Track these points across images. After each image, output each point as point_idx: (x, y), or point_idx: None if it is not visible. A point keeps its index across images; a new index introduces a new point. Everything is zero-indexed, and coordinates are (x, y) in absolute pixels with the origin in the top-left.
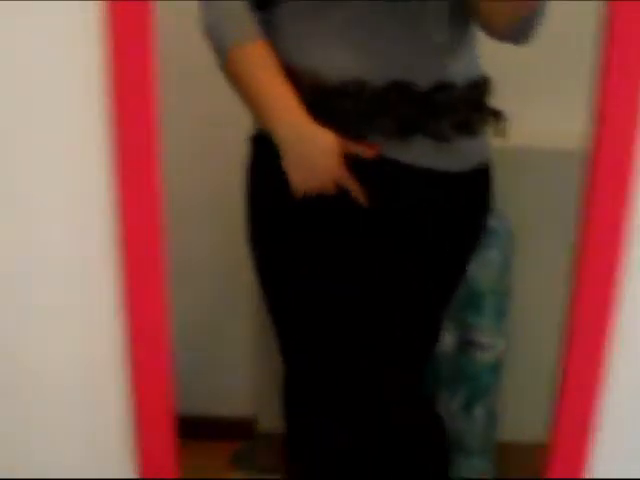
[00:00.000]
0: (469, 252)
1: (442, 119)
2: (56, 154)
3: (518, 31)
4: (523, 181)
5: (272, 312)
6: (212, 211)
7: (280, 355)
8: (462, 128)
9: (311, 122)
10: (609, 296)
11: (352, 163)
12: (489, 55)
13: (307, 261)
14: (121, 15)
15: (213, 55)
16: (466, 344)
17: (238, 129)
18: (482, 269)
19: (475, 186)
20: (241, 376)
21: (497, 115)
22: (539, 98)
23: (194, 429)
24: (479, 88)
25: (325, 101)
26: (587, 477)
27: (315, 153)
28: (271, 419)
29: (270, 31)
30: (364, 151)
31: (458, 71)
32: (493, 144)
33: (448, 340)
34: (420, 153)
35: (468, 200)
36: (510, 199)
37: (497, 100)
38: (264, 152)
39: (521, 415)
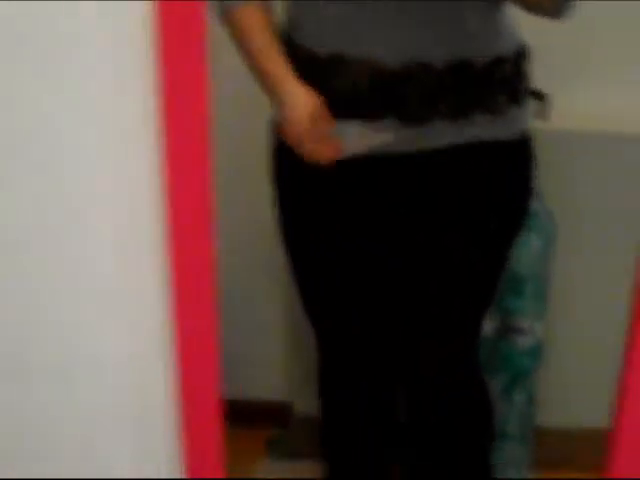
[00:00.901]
0: (513, 230)
1: (498, 94)
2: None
3: (560, 5)
4: (567, 164)
5: (302, 292)
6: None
7: (315, 338)
8: (513, 98)
9: (295, 78)
10: None
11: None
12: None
13: (339, 232)
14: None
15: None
16: (506, 329)
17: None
18: (522, 253)
19: (520, 155)
20: (276, 361)
21: (537, 94)
22: (586, 78)
23: (229, 414)
24: (523, 56)
25: (385, 86)
26: None
27: (290, 105)
28: (307, 404)
29: (309, 19)
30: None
31: (505, 43)
32: (537, 126)
33: (488, 324)
34: (480, 127)
35: (513, 170)
36: (553, 182)
37: (541, 81)
38: None
39: (560, 401)
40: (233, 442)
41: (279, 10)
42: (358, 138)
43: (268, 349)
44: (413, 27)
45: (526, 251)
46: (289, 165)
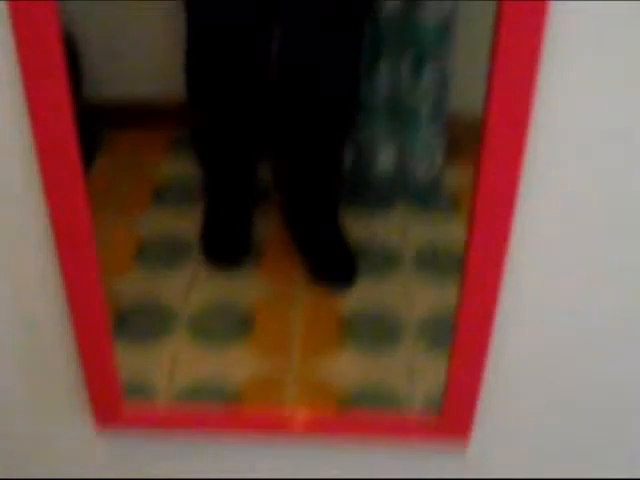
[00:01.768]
0: None
1: None
2: None
3: None
4: None
5: None
6: None
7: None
8: None
9: None
10: None
11: None
12: None
13: None
14: None
15: None
16: (411, 1)
17: None
18: None
19: None
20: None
21: None
22: None
23: (130, 115)
24: None
25: None
26: None
27: None
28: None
29: None
30: None
31: None
32: None
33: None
34: None
35: None
36: None
37: None
38: None
39: (472, 84)
40: (138, 142)
41: None
42: None
43: (170, 46)
44: None
45: None
46: None
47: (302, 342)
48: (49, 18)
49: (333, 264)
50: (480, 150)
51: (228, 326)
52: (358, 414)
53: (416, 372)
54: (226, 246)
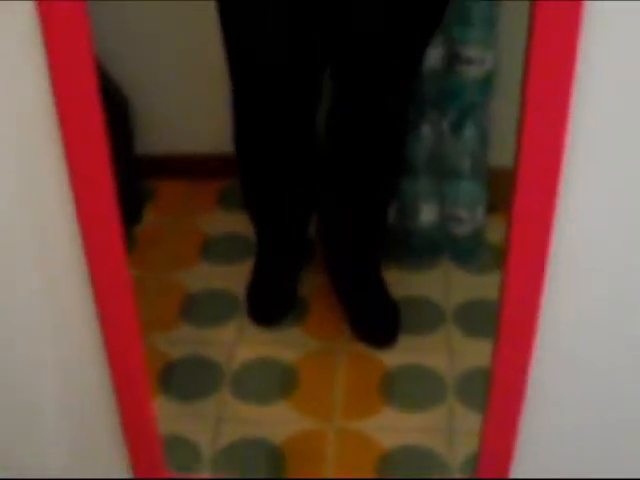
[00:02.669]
0: None
1: None
2: None
3: None
4: None
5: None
6: None
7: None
8: None
9: None
10: None
11: None
12: None
13: None
14: None
15: None
16: (454, 58)
17: None
18: None
19: None
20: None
21: None
22: None
23: (179, 168)
24: None
25: None
26: None
27: None
28: None
29: None
30: None
31: None
32: None
33: (434, 54)
34: None
35: None
36: None
37: None
38: None
39: (513, 140)
40: (186, 195)
41: None
42: None
43: (215, 101)
44: None
45: None
46: None
47: (344, 398)
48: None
49: (376, 323)
50: (512, 203)
51: (272, 382)
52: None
53: (456, 432)
54: (271, 306)
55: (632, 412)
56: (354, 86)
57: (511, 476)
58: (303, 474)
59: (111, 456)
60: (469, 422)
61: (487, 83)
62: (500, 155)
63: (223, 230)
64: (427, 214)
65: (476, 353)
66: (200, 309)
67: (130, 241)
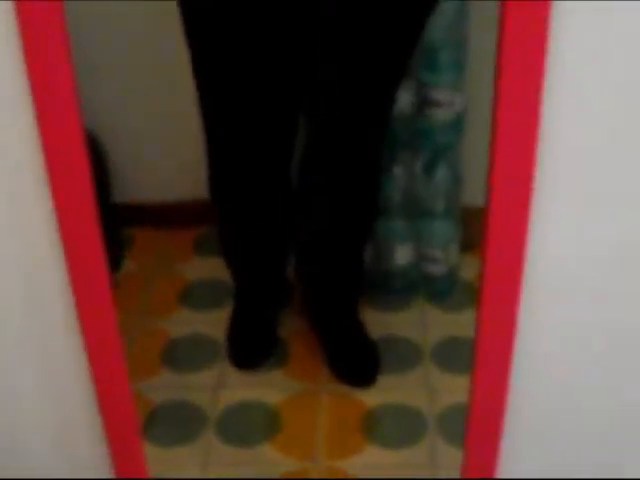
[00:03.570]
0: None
1: None
2: None
3: None
4: None
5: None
6: None
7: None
8: None
9: None
10: None
11: None
12: None
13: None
14: None
15: None
16: (423, 102)
17: None
18: (435, 20)
19: None
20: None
21: None
22: None
23: (155, 216)
24: None
25: None
26: None
27: None
28: None
29: None
30: None
31: None
32: None
33: (404, 98)
34: None
35: None
36: None
37: None
38: None
39: (483, 179)
40: (163, 243)
41: None
42: None
43: (189, 149)
44: None
45: (440, 18)
46: None
47: (327, 438)
48: (72, 122)
49: (355, 363)
50: (484, 241)
51: (256, 425)
52: None
53: (438, 467)
54: (251, 349)
55: (606, 427)
56: (326, 132)
57: None
58: None
59: None
60: (450, 457)
61: (457, 125)
62: (472, 194)
63: (201, 276)
64: (402, 254)
65: (454, 389)
66: (181, 354)
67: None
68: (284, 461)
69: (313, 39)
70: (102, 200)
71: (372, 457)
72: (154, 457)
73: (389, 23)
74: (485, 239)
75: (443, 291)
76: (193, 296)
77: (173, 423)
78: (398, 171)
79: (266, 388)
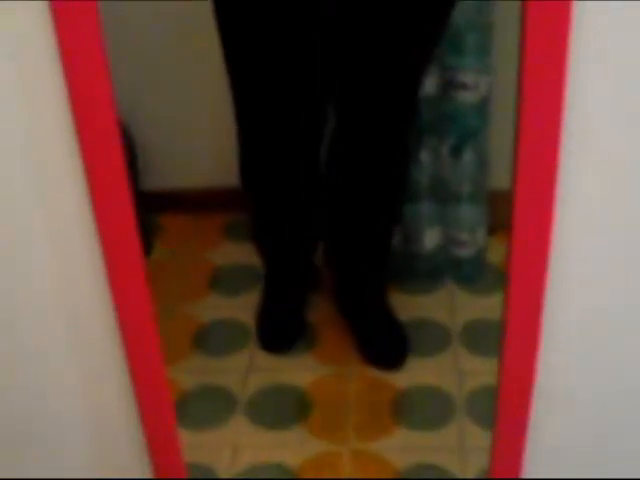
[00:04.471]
0: None
1: None
2: None
3: None
4: None
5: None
6: None
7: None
8: None
9: None
10: None
11: None
12: None
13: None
14: None
15: None
16: (449, 85)
17: None
18: (460, 3)
19: None
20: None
21: None
22: None
23: (184, 203)
24: None
25: None
26: None
27: None
28: None
29: None
30: None
31: None
32: None
33: (430, 82)
34: None
35: None
36: None
37: None
38: None
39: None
40: (192, 229)
41: None
42: None
43: (218, 135)
44: None
45: (466, 1)
46: None
47: (357, 421)
48: (107, 110)
49: (384, 346)
50: (511, 224)
51: (286, 407)
52: None
53: (466, 449)
54: (280, 333)
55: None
56: (353, 116)
57: None
58: None
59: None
60: (479, 439)
61: (483, 108)
62: (499, 178)
63: (230, 261)
64: (430, 238)
65: (483, 371)
66: (212, 339)
67: None
68: (314, 443)
69: (340, 24)
70: (132, 187)
71: (401, 439)
72: (185, 441)
73: (416, 7)
74: (512, 222)
75: (471, 274)
76: (223, 281)
77: (204, 407)
78: (425, 155)
79: (296, 371)
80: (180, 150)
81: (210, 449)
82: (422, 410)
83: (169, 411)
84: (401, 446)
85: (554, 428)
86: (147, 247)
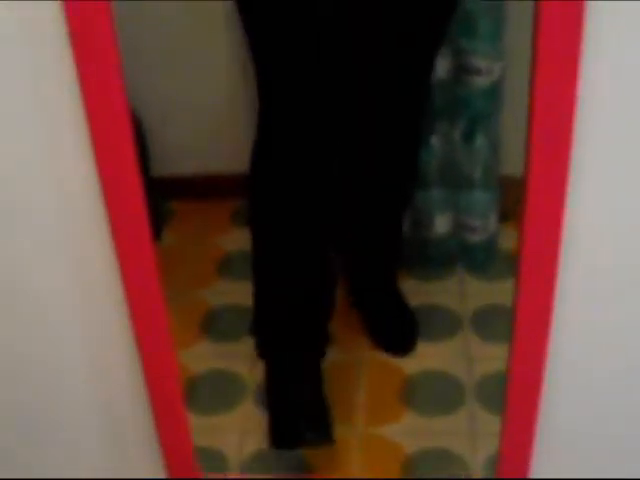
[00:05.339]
0: None
1: None
2: None
3: None
4: None
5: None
6: None
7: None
8: None
9: None
10: None
11: None
12: None
13: None
14: None
15: None
16: (461, 70)
17: None
18: None
19: None
20: (239, 133)
21: None
22: None
23: (194, 189)
24: None
25: None
26: None
27: None
28: None
29: None
30: None
31: None
32: None
33: (442, 66)
34: None
35: None
36: None
37: None
38: None
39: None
40: (201, 215)
41: None
42: None
43: (226, 122)
44: None
45: None
46: None
47: (367, 405)
48: (118, 96)
49: (395, 331)
50: (523, 211)
51: None
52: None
53: (476, 434)
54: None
55: None
56: (366, 100)
57: (531, 476)
58: None
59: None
60: (489, 424)
61: (495, 93)
62: (511, 164)
63: (239, 247)
64: (441, 224)
65: (493, 357)
66: (221, 324)
67: None
68: None
69: (351, 9)
70: (142, 173)
71: (411, 424)
72: (194, 425)
73: None
74: (524, 208)
75: (482, 260)
76: (232, 267)
77: (213, 392)
78: (436, 140)
79: None
80: (190, 136)
81: (219, 433)
82: (432, 395)
83: (178, 395)
84: (411, 431)
85: (564, 413)
86: (156, 233)
